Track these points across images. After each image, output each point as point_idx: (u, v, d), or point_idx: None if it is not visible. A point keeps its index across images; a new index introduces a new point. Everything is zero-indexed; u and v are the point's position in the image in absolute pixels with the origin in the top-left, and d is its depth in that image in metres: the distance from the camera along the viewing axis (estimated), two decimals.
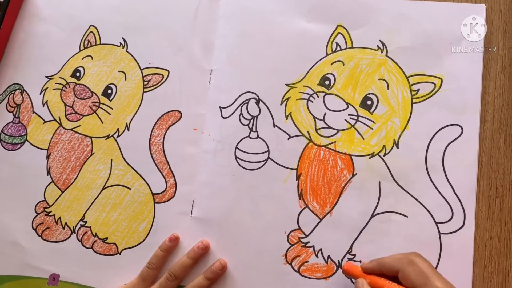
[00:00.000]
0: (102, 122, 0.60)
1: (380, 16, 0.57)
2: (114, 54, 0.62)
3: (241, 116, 0.57)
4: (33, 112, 0.62)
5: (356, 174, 0.54)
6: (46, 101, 0.62)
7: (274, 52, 0.58)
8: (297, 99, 0.56)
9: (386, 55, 0.56)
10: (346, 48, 0.57)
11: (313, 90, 0.56)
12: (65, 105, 0.62)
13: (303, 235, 0.54)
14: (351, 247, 0.53)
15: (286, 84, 0.57)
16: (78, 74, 0.62)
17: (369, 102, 0.55)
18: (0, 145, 0.62)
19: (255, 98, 0.57)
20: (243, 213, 0.55)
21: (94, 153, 0.60)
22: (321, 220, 0.54)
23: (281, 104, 0.57)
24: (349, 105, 0.55)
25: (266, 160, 0.56)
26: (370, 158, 0.54)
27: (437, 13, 0.56)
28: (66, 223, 0.59)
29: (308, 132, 0.56)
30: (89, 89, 0.61)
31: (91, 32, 0.63)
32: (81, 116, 0.61)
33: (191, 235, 0.56)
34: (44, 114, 0.62)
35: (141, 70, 0.61)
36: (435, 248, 0.51)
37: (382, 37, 0.56)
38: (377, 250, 0.52)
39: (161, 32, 0.61)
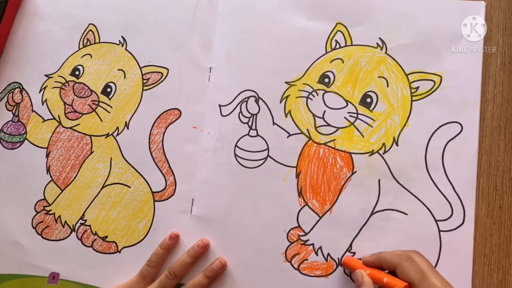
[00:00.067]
0: (102, 121, 0.60)
1: (380, 14, 0.57)
2: (113, 53, 0.62)
3: (240, 114, 0.57)
4: (33, 110, 0.62)
5: (355, 172, 0.54)
6: (46, 100, 0.62)
7: (274, 50, 0.58)
8: (296, 97, 0.56)
9: (386, 52, 0.56)
10: (346, 45, 0.57)
11: (312, 88, 0.56)
12: (65, 103, 0.61)
13: (303, 233, 0.54)
14: (350, 245, 0.53)
15: (286, 82, 0.57)
16: (77, 72, 0.62)
17: (368, 100, 0.55)
18: None
19: (254, 96, 0.57)
20: (242, 211, 0.55)
21: (93, 151, 0.60)
22: (320, 218, 0.54)
23: (280, 102, 0.57)
24: (348, 102, 0.55)
25: (266, 158, 0.56)
26: (369, 155, 0.54)
27: (436, 11, 0.56)
28: (65, 222, 0.59)
29: (307, 130, 0.56)
30: (89, 88, 0.61)
31: (90, 30, 0.63)
32: (80, 115, 0.61)
33: (190, 233, 0.56)
34: (43, 113, 0.62)
35: (140, 68, 0.61)
36: (435, 246, 0.51)
37: (381, 35, 0.56)
38: (376, 248, 0.52)
39: (160, 30, 0.61)
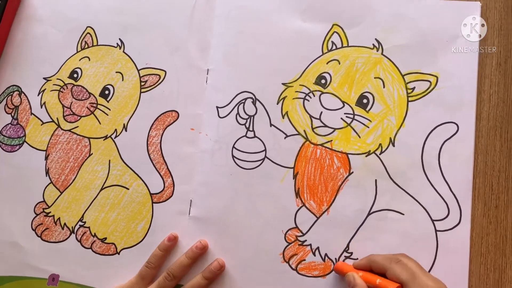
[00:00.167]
0: (100, 123, 0.61)
1: (376, 15, 0.57)
2: (111, 55, 0.62)
3: (238, 115, 0.57)
4: (31, 113, 0.62)
5: (352, 172, 0.54)
6: (44, 103, 0.62)
7: (270, 52, 0.58)
8: (293, 98, 0.57)
9: (382, 53, 0.56)
10: (342, 47, 0.57)
11: (309, 89, 0.56)
12: (63, 106, 0.62)
13: (300, 234, 0.54)
14: (348, 245, 0.53)
15: (283, 84, 0.57)
16: (75, 75, 0.62)
17: (365, 101, 0.55)
18: None
19: (251, 98, 0.58)
20: (240, 212, 0.55)
21: (92, 153, 0.60)
22: (318, 218, 0.54)
23: (277, 104, 0.57)
24: (345, 103, 0.55)
25: (263, 159, 0.56)
26: (366, 156, 0.54)
27: (432, 11, 0.56)
28: (65, 224, 0.59)
29: (304, 131, 0.56)
30: (87, 90, 0.62)
31: (88, 33, 0.63)
32: (79, 117, 0.61)
33: (189, 234, 0.56)
34: (42, 116, 0.62)
35: (138, 70, 0.61)
36: (432, 245, 0.51)
37: (377, 36, 0.57)
38: (373, 248, 0.52)
39: (158, 33, 0.62)
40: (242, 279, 0.54)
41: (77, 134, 0.61)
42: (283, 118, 0.57)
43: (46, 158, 0.61)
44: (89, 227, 0.58)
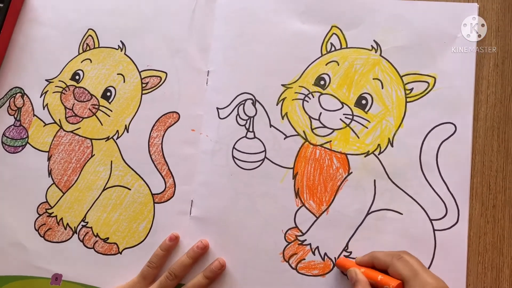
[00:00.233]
0: (102, 124, 0.61)
1: (374, 17, 0.58)
2: (113, 57, 0.63)
3: (238, 116, 0.58)
4: (34, 115, 0.63)
5: (351, 172, 0.55)
6: (47, 104, 0.63)
7: (270, 53, 0.59)
8: (292, 99, 0.57)
9: (380, 55, 0.57)
10: (341, 48, 0.58)
11: (308, 90, 0.57)
12: (65, 107, 0.62)
13: (300, 233, 0.55)
14: (347, 245, 0.54)
15: (282, 85, 0.58)
16: (77, 77, 0.63)
17: (363, 102, 0.56)
18: (2, 147, 0.63)
19: (251, 99, 0.58)
20: (240, 212, 0.56)
21: (94, 154, 0.61)
22: (317, 218, 0.55)
23: (277, 105, 0.58)
24: (344, 104, 0.56)
25: (263, 159, 0.57)
26: (365, 156, 0.55)
27: (430, 13, 0.57)
28: (67, 224, 0.60)
29: (304, 131, 0.56)
30: (89, 92, 0.62)
31: (90, 35, 0.64)
32: (81, 119, 0.62)
33: (190, 234, 0.57)
34: (44, 117, 0.63)
35: (139, 72, 0.62)
36: (430, 245, 0.52)
37: (376, 37, 0.57)
38: (372, 247, 0.52)
39: (159, 35, 0.62)
40: (242, 278, 0.55)
41: (79, 136, 0.62)
42: (282, 119, 0.57)
43: (49, 159, 0.62)
44: (91, 227, 0.59)
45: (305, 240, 0.55)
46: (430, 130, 0.54)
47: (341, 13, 0.58)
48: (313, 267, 0.54)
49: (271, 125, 0.57)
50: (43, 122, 0.63)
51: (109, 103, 0.62)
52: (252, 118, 0.58)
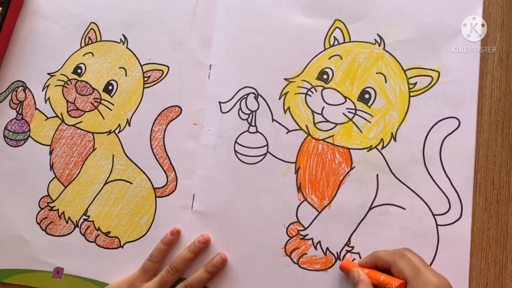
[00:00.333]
0: (104, 118, 0.61)
1: (378, 10, 0.57)
2: (115, 51, 0.63)
3: (240, 110, 0.58)
4: (36, 108, 0.63)
5: (354, 167, 0.55)
6: (48, 98, 0.63)
7: (273, 47, 0.59)
8: (295, 94, 0.57)
9: (384, 48, 0.56)
10: (344, 42, 0.57)
11: (311, 84, 0.57)
12: (67, 101, 0.62)
13: (302, 228, 0.54)
14: (349, 239, 0.53)
15: (285, 79, 0.58)
16: (79, 70, 0.63)
17: (367, 96, 0.55)
18: (4, 141, 0.63)
19: (254, 93, 0.58)
20: (242, 206, 0.56)
21: (96, 148, 0.61)
22: (319, 213, 0.54)
23: (279, 99, 0.57)
24: (347, 99, 0.56)
25: (265, 154, 0.57)
26: (368, 151, 0.55)
27: (434, 6, 0.56)
28: (69, 218, 0.60)
29: (306, 126, 0.56)
30: (90, 86, 0.62)
31: (92, 29, 0.64)
32: (82, 112, 0.62)
33: (191, 228, 0.56)
34: (46, 111, 0.63)
35: (141, 66, 0.61)
36: (433, 240, 0.52)
37: (379, 31, 0.57)
38: (375, 242, 0.52)
39: (161, 28, 0.62)
40: (244, 273, 0.55)
41: (81, 129, 0.61)
42: (285, 113, 0.57)
43: (51, 152, 0.62)
44: (93, 221, 0.59)
45: (307, 234, 0.54)
46: (434, 125, 0.54)
47: (344, 7, 0.58)
48: (315, 261, 0.54)
49: (273, 119, 0.57)
50: (45, 115, 0.63)
51: (111, 96, 0.61)
52: (254, 112, 0.57)
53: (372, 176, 0.54)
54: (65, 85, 0.63)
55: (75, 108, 0.62)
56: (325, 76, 0.57)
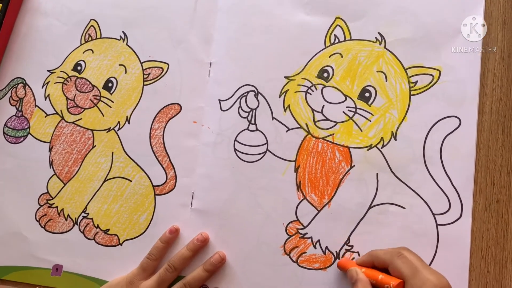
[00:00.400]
0: (103, 115, 0.61)
1: (379, 8, 0.57)
2: (115, 48, 0.62)
3: (240, 108, 0.58)
4: (36, 105, 0.63)
5: (354, 166, 0.54)
6: (48, 95, 0.63)
7: (273, 45, 0.58)
8: (295, 92, 0.57)
9: (385, 47, 0.56)
10: (345, 40, 0.57)
11: (311, 82, 0.56)
12: (67, 98, 0.62)
13: (301, 227, 0.54)
14: (348, 238, 0.53)
15: (285, 77, 0.57)
16: (79, 67, 0.63)
17: (367, 94, 0.55)
18: (3, 138, 0.63)
19: (254, 91, 0.58)
20: (242, 205, 0.56)
21: (95, 145, 0.61)
22: (319, 211, 0.54)
23: (279, 97, 0.57)
24: (347, 97, 0.55)
25: (265, 152, 0.56)
26: (368, 150, 0.54)
27: (435, 5, 0.56)
28: (68, 215, 0.60)
29: (306, 124, 0.56)
30: (90, 83, 0.62)
31: (92, 26, 0.63)
32: (82, 109, 0.62)
33: (191, 227, 0.56)
34: (46, 108, 0.63)
35: (141, 63, 0.61)
36: (432, 239, 0.51)
37: (380, 29, 0.56)
38: (374, 241, 0.52)
39: (161, 26, 0.62)
40: (243, 272, 0.54)
41: (81, 126, 0.61)
42: (285, 111, 0.57)
43: (50, 149, 0.61)
44: (92, 218, 0.59)
45: (306, 233, 0.54)
46: (434, 124, 0.53)
47: (345, 5, 0.58)
48: (314, 260, 0.54)
49: (273, 118, 0.57)
50: (45, 112, 0.63)
51: (111, 94, 0.61)
52: (254, 110, 0.57)
53: (372, 175, 0.54)
54: (65, 82, 0.63)
55: (75, 105, 0.62)
56: (325, 74, 0.56)
